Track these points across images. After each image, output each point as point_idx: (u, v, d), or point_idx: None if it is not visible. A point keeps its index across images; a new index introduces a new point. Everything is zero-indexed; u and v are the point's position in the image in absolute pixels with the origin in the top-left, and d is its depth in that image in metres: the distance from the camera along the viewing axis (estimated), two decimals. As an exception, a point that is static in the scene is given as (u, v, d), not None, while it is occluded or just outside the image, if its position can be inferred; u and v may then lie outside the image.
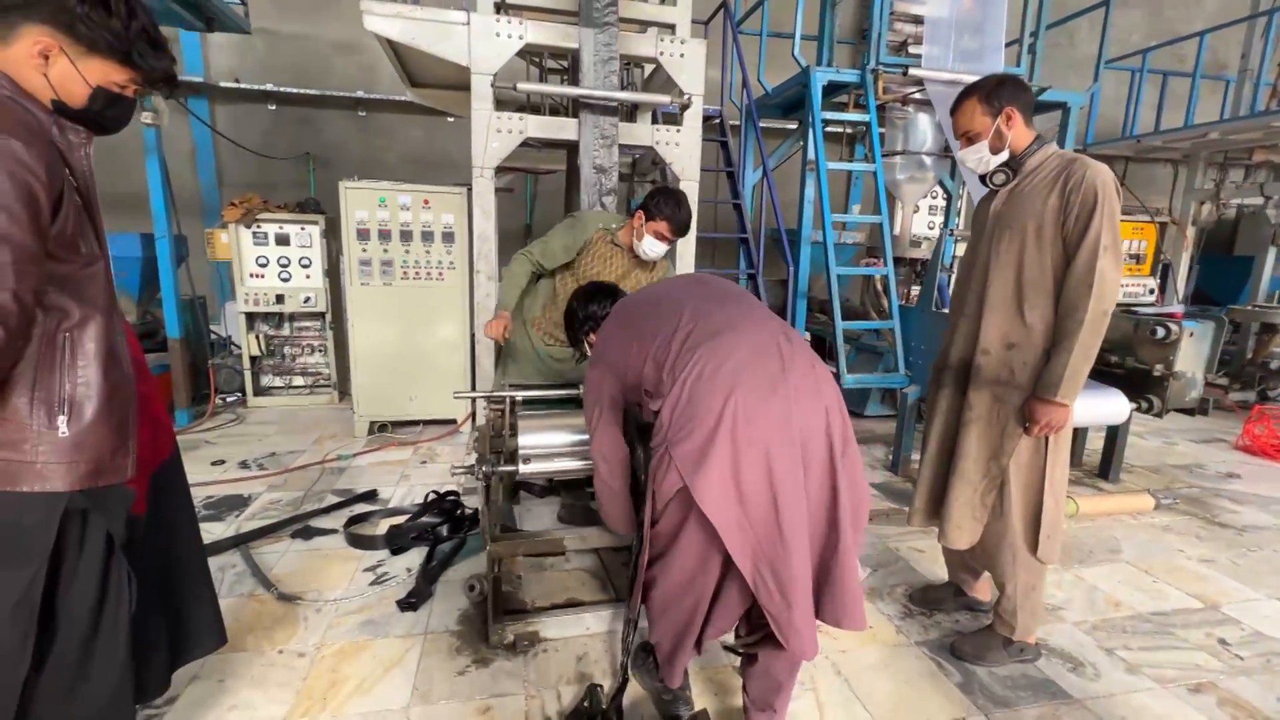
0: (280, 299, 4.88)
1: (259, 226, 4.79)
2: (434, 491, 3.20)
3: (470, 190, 4.30)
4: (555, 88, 3.38)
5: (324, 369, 5.25)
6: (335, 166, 7.44)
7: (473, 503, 3.06)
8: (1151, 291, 5.86)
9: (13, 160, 1.06)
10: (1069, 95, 4.72)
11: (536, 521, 3.05)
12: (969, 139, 2.00)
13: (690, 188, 3.52)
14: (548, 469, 2.18)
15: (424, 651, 2.14)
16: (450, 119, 7.54)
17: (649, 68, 4.14)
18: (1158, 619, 2.46)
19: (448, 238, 4.28)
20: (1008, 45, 4.43)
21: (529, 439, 2.24)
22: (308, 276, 4.92)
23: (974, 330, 2.07)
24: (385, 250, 4.19)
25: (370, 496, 3.36)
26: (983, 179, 2.08)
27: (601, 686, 1.88)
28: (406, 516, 3.02)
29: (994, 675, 2.11)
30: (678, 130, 3.42)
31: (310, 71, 7.14)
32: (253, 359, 5.01)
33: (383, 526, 2.99)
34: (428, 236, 4.26)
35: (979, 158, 2.00)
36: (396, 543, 2.80)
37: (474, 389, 3.73)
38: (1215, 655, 2.25)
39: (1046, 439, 1.98)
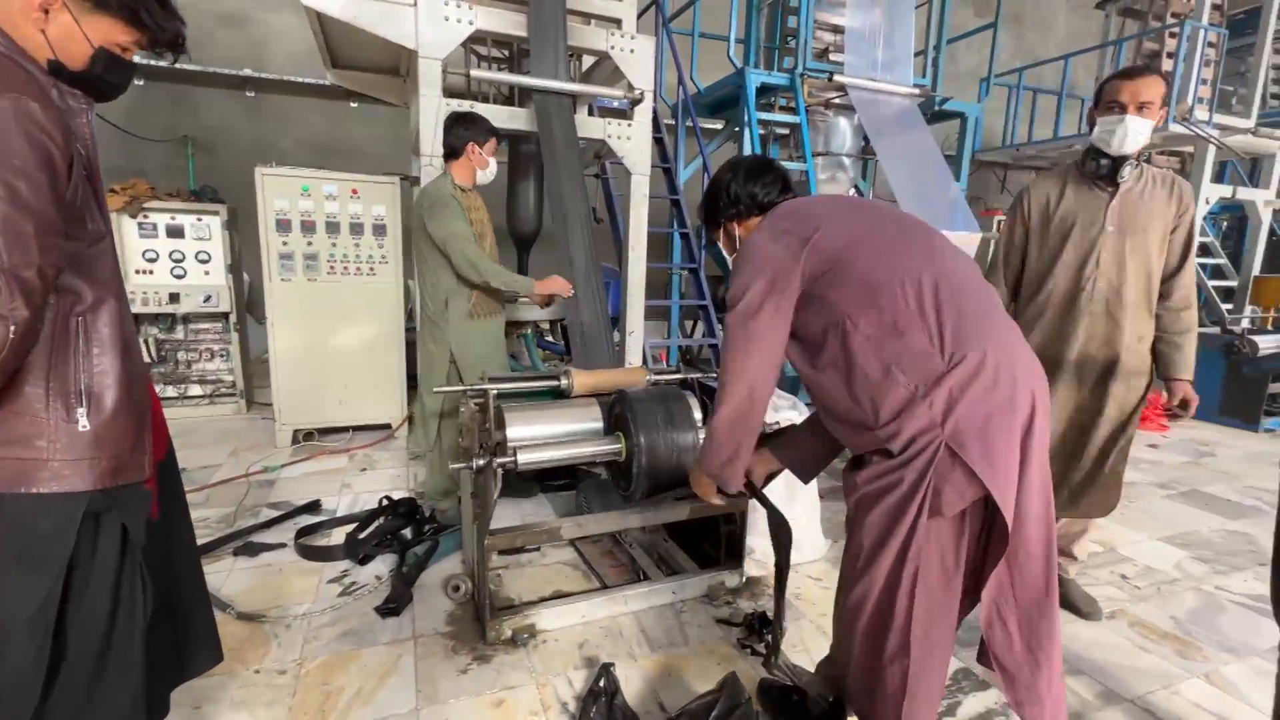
0: (175, 298, 4.38)
1: (146, 217, 4.28)
2: (387, 497, 3.04)
3: (403, 181, 4.13)
4: (508, 76, 3.30)
5: (226, 375, 4.78)
6: (219, 151, 6.79)
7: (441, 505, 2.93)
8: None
9: (29, 121, 0.94)
10: (968, 106, 5.27)
11: (503, 517, 2.98)
12: (1141, 109, 2.02)
13: (641, 181, 3.59)
14: (542, 458, 2.16)
15: (418, 655, 2.05)
16: (353, 104, 7.11)
17: (586, 61, 4.15)
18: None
19: (379, 230, 4.04)
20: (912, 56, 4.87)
21: (517, 430, 2.21)
22: (207, 273, 4.45)
23: (1104, 327, 2.17)
24: (309, 243, 3.89)
25: (314, 508, 3.12)
26: (1100, 161, 2.11)
27: (614, 664, 1.88)
28: (356, 525, 2.85)
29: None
30: (629, 125, 3.47)
31: (187, 44, 6.45)
32: (142, 365, 4.47)
33: (336, 537, 2.80)
34: (357, 229, 3.99)
35: (1142, 133, 2.04)
36: (358, 551, 2.63)
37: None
38: (1120, 588, 2.64)
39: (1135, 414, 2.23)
